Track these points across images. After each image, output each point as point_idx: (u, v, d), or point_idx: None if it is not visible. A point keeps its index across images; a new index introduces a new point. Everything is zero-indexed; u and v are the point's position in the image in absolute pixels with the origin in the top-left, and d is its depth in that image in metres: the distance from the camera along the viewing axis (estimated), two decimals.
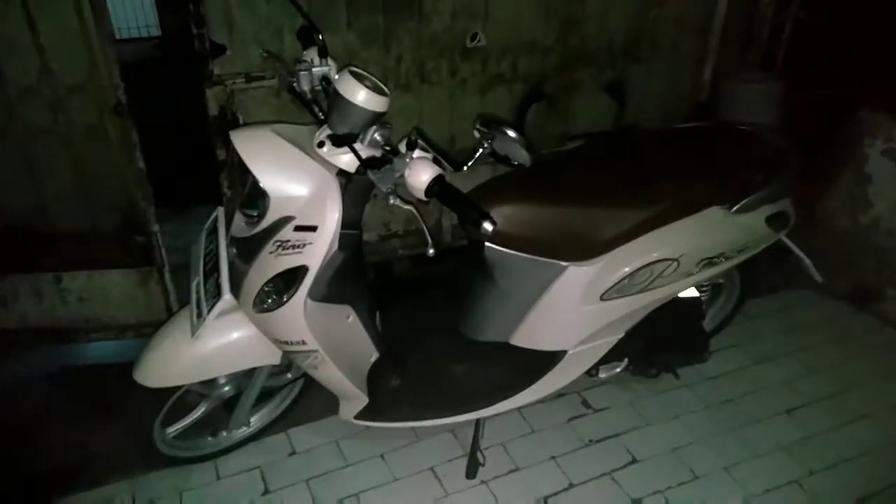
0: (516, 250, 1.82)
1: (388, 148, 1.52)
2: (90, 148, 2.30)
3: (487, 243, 1.82)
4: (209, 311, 1.60)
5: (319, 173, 1.51)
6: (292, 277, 1.52)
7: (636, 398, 2.35)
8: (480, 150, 1.61)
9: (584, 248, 1.82)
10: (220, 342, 1.65)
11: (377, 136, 1.52)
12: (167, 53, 5.37)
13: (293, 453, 2.14)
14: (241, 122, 2.60)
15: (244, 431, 2.08)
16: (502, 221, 1.77)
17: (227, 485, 2.02)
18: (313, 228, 1.50)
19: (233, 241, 1.65)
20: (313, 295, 1.55)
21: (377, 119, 1.52)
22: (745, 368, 2.50)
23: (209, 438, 2.04)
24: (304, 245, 1.50)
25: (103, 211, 2.43)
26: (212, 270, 1.66)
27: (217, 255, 1.65)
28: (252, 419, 2.08)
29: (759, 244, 2.01)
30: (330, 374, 1.73)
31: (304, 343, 1.62)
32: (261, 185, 1.50)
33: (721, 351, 2.49)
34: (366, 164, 1.46)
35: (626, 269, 1.81)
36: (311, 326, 1.58)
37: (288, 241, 1.51)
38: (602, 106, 3.22)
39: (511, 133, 1.54)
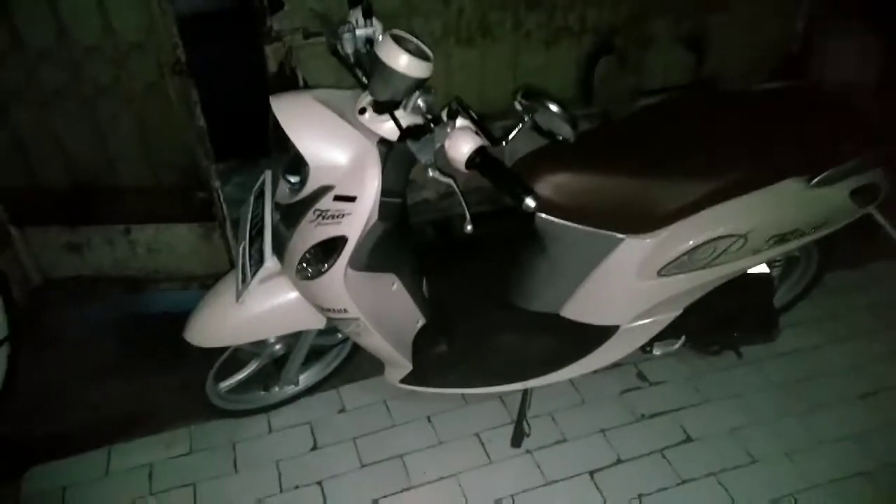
0: (569, 220, 1.73)
1: (429, 116, 1.45)
2: (151, 106, 2.34)
3: (538, 213, 1.75)
4: (252, 276, 1.61)
5: (359, 142, 1.47)
6: (332, 247, 1.50)
7: (695, 373, 2.25)
8: (521, 124, 1.51)
9: (643, 220, 1.71)
10: (263, 307, 1.67)
11: (420, 103, 1.46)
12: (229, 6, 5.40)
13: (342, 410, 2.18)
14: (300, 77, 2.58)
15: (294, 388, 2.13)
16: (555, 190, 1.70)
17: (277, 438, 2.09)
18: (352, 198, 1.46)
19: (277, 207, 1.65)
20: (354, 264, 1.53)
21: (420, 85, 1.45)
22: (818, 347, 2.34)
23: (262, 393, 2.10)
24: (343, 215, 1.47)
25: (166, 167, 2.49)
26: (258, 235, 1.66)
27: (263, 219, 1.66)
28: (302, 377, 2.12)
29: (842, 219, 1.83)
30: (373, 342, 1.73)
31: (345, 311, 1.61)
32: (300, 153, 1.47)
33: (793, 327, 2.33)
34: (406, 133, 1.40)
35: (688, 245, 1.69)
36: (353, 295, 1.57)
37: (327, 210, 1.48)
38: (678, 59, 3.00)
39: (553, 107, 1.43)
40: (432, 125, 1.41)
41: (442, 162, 1.43)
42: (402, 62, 1.37)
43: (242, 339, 1.76)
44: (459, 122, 1.40)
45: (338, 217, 1.48)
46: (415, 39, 1.45)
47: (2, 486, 1.95)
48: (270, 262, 1.61)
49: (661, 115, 1.92)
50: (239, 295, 1.64)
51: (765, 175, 1.71)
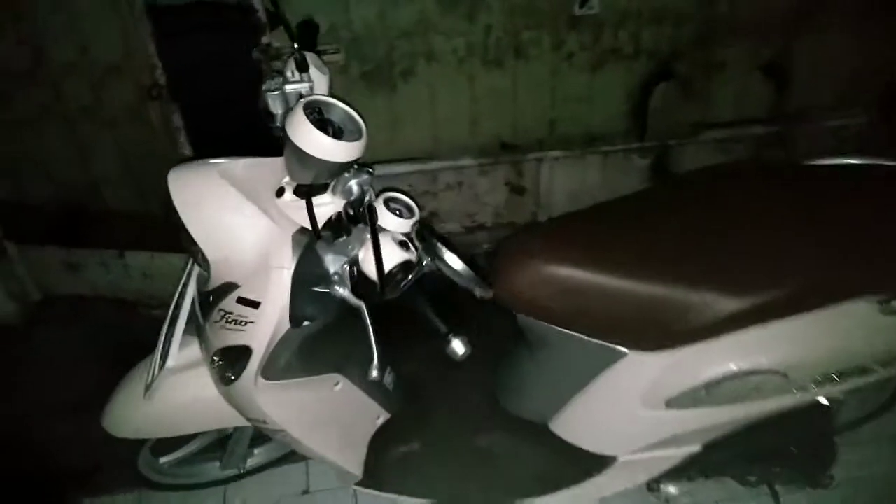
0: (559, 325, 1.38)
1: (362, 206, 1.14)
2: (132, 130, 2.15)
3: (519, 314, 1.40)
4: (159, 370, 1.37)
5: (268, 233, 1.16)
6: (237, 356, 1.23)
7: (728, 497, 1.84)
8: (417, 271, 1.16)
9: (652, 334, 1.33)
10: (175, 402, 1.42)
11: (352, 186, 1.15)
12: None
13: (307, 491, 1.93)
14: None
15: (256, 461, 1.90)
16: (543, 284, 1.35)
17: None
18: (255, 304, 1.17)
19: (199, 293, 1.38)
20: (268, 375, 1.25)
21: (350, 165, 1.14)
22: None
23: (216, 465, 1.88)
24: (246, 322, 1.18)
25: (152, 195, 2.30)
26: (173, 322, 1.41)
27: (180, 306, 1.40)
28: (259, 450, 1.88)
29: None
30: (308, 452, 1.46)
31: (265, 422, 1.34)
32: (196, 242, 1.19)
33: (854, 447, 1.86)
34: (317, 230, 1.09)
35: (706, 376, 1.30)
36: (270, 407, 1.30)
37: (231, 313, 1.20)
38: (754, 88, 2.51)
39: (452, 261, 1.09)
40: (351, 223, 1.10)
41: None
42: (319, 146, 1.06)
43: (156, 433, 1.54)
44: (389, 223, 1.08)
45: (240, 323, 1.19)
46: (344, 105, 1.13)
47: None
48: (172, 361, 1.36)
49: (691, 194, 1.49)
50: (147, 388, 1.39)
51: (825, 292, 1.28)
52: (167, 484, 1.81)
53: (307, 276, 1.14)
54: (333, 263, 1.11)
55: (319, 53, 2.18)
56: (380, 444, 1.61)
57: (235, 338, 1.20)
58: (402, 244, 1.10)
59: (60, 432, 2.10)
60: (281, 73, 1.28)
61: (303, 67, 1.24)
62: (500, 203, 2.69)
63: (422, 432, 1.64)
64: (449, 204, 2.67)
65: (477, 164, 2.56)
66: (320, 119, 1.11)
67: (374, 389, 1.52)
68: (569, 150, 2.55)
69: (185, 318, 1.38)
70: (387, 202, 1.17)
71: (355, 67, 2.28)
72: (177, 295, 1.45)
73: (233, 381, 1.24)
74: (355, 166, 1.16)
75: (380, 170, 2.50)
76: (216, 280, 1.22)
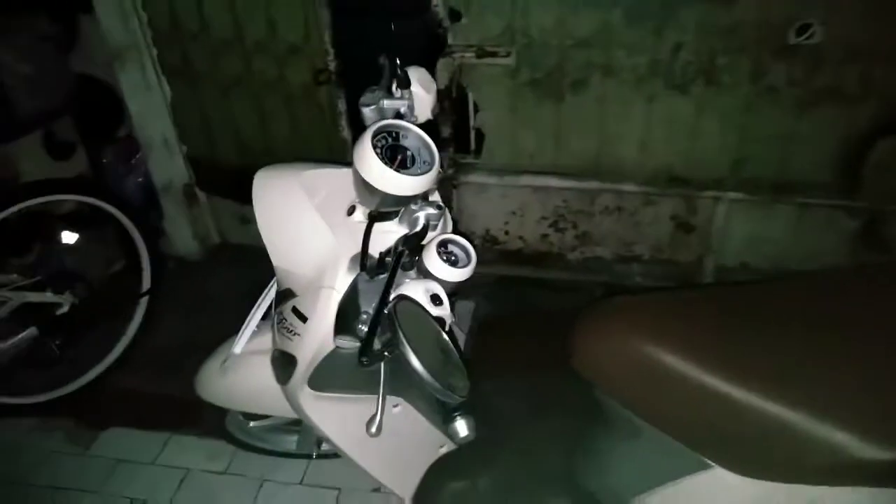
0: (639, 412, 1.19)
1: (423, 241, 1.06)
2: (304, 108, 2.28)
3: (597, 384, 1.23)
4: (234, 347, 1.43)
5: (330, 251, 1.14)
6: (286, 361, 1.23)
7: None
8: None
9: (751, 457, 1.09)
10: (243, 384, 1.47)
11: (419, 217, 1.08)
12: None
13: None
14: (470, 100, 2.28)
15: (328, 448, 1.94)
16: (626, 361, 1.17)
17: (302, 493, 1.94)
18: (304, 318, 1.15)
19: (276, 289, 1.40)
20: (315, 386, 1.24)
21: (422, 196, 1.06)
22: None
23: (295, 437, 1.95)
24: (295, 334, 1.18)
25: None
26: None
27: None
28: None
29: None
30: (354, 464, 1.43)
31: (312, 427, 1.34)
32: (266, 246, 1.20)
33: None
34: (364, 260, 1.04)
35: None
36: (315, 415, 1.29)
37: (285, 320, 1.20)
38: None
39: (414, 364, 0.92)
40: (400, 260, 1.03)
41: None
42: (381, 177, 1.01)
43: (228, 405, 1.61)
44: (435, 268, 0.99)
45: (291, 333, 1.19)
46: (417, 130, 1.05)
47: (88, 429, 2.14)
48: (238, 348, 1.41)
49: (838, 299, 1.17)
50: (222, 363, 1.47)
51: None
52: (248, 444, 1.92)
53: (354, 302, 1.10)
54: (366, 301, 1.05)
55: (490, 55, 2.15)
56: (438, 472, 1.54)
57: (287, 345, 1.20)
58: (435, 298, 1.00)
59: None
60: (382, 85, 1.23)
61: (404, 83, 1.18)
62: (662, 237, 2.43)
63: (485, 473, 1.54)
64: (605, 228, 2.47)
65: (641, 192, 2.32)
66: (394, 145, 1.05)
67: (440, 419, 1.45)
68: (754, 194, 2.21)
69: (264, 308, 1.42)
70: (443, 244, 1.08)
71: (525, 73, 2.18)
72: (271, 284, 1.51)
73: (283, 383, 1.26)
74: (427, 199, 1.09)
75: (535, 181, 2.39)
76: (281, 284, 1.23)
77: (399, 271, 1.03)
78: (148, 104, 2.52)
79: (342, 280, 1.09)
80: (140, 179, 2.71)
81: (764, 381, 1.06)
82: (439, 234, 1.08)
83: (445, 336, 1.01)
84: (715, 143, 2.14)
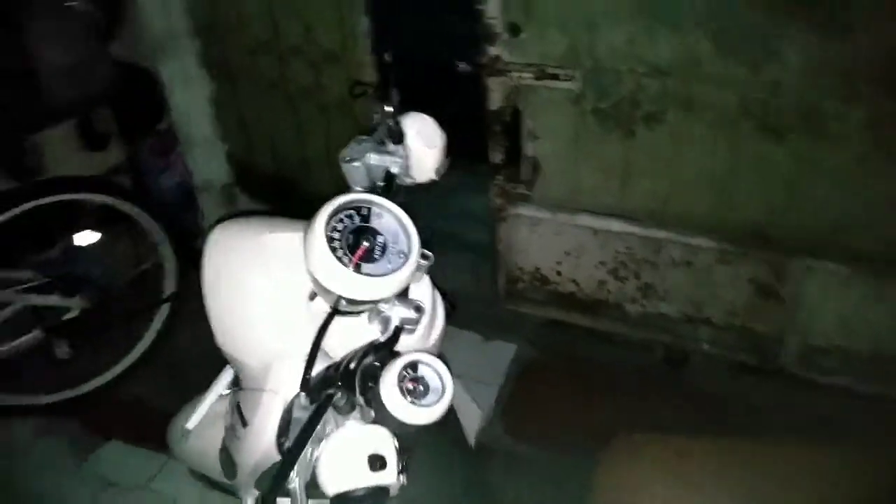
0: None
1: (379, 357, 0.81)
2: (339, 120, 2.07)
3: None
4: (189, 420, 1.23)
5: (278, 346, 0.89)
6: (230, 460, 1.00)
7: None
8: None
9: None
10: (198, 454, 1.26)
11: (390, 319, 0.82)
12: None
13: None
14: (524, 125, 2.00)
15: None
16: None
17: None
18: (245, 422, 0.92)
19: None
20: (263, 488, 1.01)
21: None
22: None
23: None
24: (236, 437, 0.95)
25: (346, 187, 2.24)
26: None
27: None
28: None
29: None
30: None
31: None
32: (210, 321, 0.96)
33: None
34: (306, 378, 0.79)
35: None
36: None
37: (231, 413, 0.98)
38: None
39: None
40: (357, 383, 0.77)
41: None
42: (335, 279, 0.77)
43: (195, 468, 1.43)
44: (392, 404, 0.72)
45: (234, 432, 0.96)
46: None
47: (90, 437, 2.05)
48: (191, 425, 1.21)
49: None
50: (183, 427, 1.27)
51: None
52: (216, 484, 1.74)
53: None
54: (295, 431, 0.80)
55: (551, 77, 1.86)
56: None
57: (231, 444, 0.99)
58: (375, 461, 0.72)
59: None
60: (375, 136, 0.98)
61: (396, 136, 0.93)
62: (738, 302, 2.07)
63: None
64: (671, 283, 2.14)
65: (717, 249, 1.97)
66: (361, 227, 0.81)
67: None
68: (858, 268, 1.81)
69: (222, 386, 1.21)
70: (412, 367, 0.76)
71: (589, 100, 1.88)
72: None
73: (229, 479, 1.05)
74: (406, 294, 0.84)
75: (595, 222, 2.09)
76: (231, 367, 1.02)
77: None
78: (189, 98, 2.40)
79: (289, 385, 0.85)
80: (177, 177, 2.60)
81: None
82: (411, 352, 0.79)
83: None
84: (814, 202, 1.76)
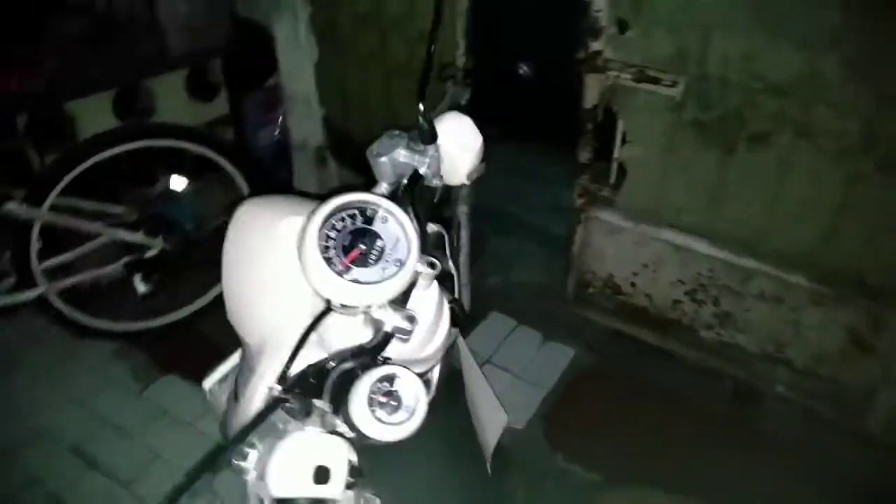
0: None
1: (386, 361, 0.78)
2: (428, 101, 2.03)
3: None
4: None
5: (276, 327, 0.87)
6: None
7: None
8: None
9: None
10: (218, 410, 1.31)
11: (385, 321, 0.79)
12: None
13: None
14: (619, 128, 1.90)
15: None
16: None
17: None
18: (236, 397, 0.93)
19: None
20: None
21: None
22: None
23: None
24: (228, 410, 0.96)
25: None
26: None
27: None
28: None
29: None
30: None
31: None
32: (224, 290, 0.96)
33: None
34: (283, 374, 0.77)
35: None
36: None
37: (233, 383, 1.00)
38: None
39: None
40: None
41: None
42: (319, 280, 0.74)
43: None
44: (359, 419, 0.70)
45: (228, 405, 0.98)
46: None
47: (153, 368, 2.18)
48: (208, 383, 1.23)
49: None
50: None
51: None
52: None
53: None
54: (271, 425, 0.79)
55: (652, 81, 1.74)
56: None
57: (228, 414, 1.01)
58: (321, 473, 0.69)
59: None
60: (404, 134, 0.93)
61: (427, 137, 0.89)
62: (826, 348, 1.89)
63: None
64: (754, 316, 1.98)
65: (812, 289, 1.80)
66: (361, 229, 0.78)
67: None
68: None
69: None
70: (387, 379, 0.72)
71: (690, 110, 1.75)
72: None
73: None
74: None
75: (678, 239, 1.97)
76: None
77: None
78: (296, 60, 2.45)
79: (274, 377, 0.84)
80: (276, 133, 2.68)
81: None
82: (393, 363, 0.75)
83: None
84: None
